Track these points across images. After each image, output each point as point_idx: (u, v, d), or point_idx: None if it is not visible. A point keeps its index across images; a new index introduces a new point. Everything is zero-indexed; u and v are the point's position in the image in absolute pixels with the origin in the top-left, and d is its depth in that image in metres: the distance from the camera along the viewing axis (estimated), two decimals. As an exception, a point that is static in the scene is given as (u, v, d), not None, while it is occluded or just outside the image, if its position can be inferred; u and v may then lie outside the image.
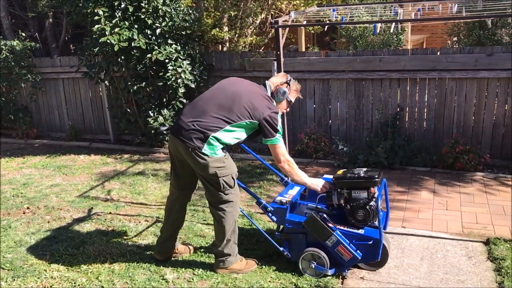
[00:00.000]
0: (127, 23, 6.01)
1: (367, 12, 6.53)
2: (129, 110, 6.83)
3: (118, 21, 5.95)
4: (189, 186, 3.50)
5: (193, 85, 6.45)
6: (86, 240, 4.07)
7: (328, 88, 6.23)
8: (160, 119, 6.36)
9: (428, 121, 5.82)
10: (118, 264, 3.61)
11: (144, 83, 6.45)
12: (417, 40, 11.15)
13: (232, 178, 3.24)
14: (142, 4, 6.01)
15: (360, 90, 6.05)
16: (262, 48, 7.51)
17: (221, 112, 3.14)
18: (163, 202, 4.74)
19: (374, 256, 3.22)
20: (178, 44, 6.37)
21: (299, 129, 6.44)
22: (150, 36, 6.12)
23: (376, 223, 3.22)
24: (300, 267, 3.34)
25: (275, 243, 3.44)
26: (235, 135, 3.21)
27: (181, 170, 3.37)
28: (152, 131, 6.49)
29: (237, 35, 7.01)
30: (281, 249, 3.42)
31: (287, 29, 5.26)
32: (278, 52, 4.53)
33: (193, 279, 3.37)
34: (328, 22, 5.33)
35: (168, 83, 6.23)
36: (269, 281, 3.30)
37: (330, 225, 3.21)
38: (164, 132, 6.41)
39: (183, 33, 6.51)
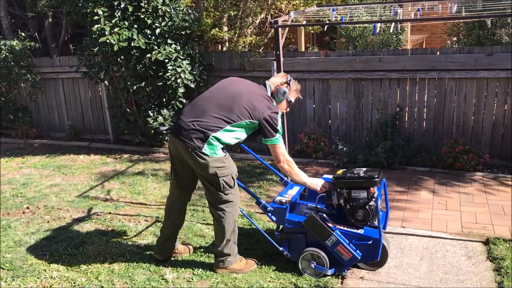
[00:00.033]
0: (126, 23, 6.00)
1: (367, 12, 6.53)
2: (128, 110, 6.83)
3: (118, 21, 5.95)
4: (189, 186, 3.50)
5: (192, 85, 6.45)
6: (86, 240, 4.07)
7: (327, 88, 6.23)
8: (160, 119, 6.36)
9: (427, 121, 5.82)
10: (117, 264, 3.61)
11: (143, 83, 6.45)
12: (417, 40, 11.16)
13: (232, 178, 3.24)
14: (141, 4, 6.01)
15: (359, 90, 6.05)
16: (262, 48, 7.51)
17: (221, 112, 3.14)
18: (163, 202, 4.74)
19: (373, 256, 3.22)
20: (177, 44, 6.37)
21: (299, 129, 6.45)
22: (149, 36, 6.12)
23: (376, 223, 3.22)
24: (300, 267, 3.34)
25: (274, 243, 3.44)
26: (235, 135, 3.21)
27: (181, 170, 3.37)
28: (152, 131, 6.49)
29: (236, 35, 7.01)
30: (281, 249, 3.42)
31: (287, 29, 5.27)
32: (278, 52, 4.53)
33: (192, 279, 3.37)
34: (327, 22, 5.34)
35: (168, 83, 6.23)
36: (269, 281, 3.30)
37: (330, 225, 3.22)
38: (164, 132, 6.41)
39: (183, 33, 6.51)
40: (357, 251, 3.21)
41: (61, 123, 8.26)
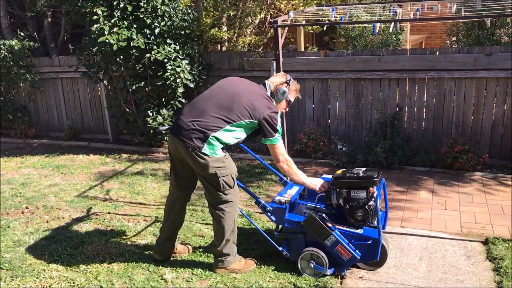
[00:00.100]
0: (126, 23, 6.00)
1: (366, 12, 6.54)
2: (128, 110, 6.82)
3: (117, 21, 5.95)
4: (189, 186, 3.50)
5: (192, 85, 6.44)
6: (85, 240, 4.06)
7: (327, 88, 6.23)
8: (159, 119, 6.36)
9: (427, 121, 5.82)
10: (117, 264, 3.61)
11: (143, 82, 6.44)
12: (416, 40, 11.16)
13: (232, 178, 3.24)
14: (141, 3, 6.01)
15: (359, 90, 6.05)
16: (261, 47, 7.51)
17: (221, 111, 3.14)
18: (162, 202, 4.74)
19: (373, 255, 3.22)
20: (177, 43, 6.37)
21: (298, 129, 6.44)
22: (149, 36, 6.12)
23: (375, 222, 3.21)
24: (299, 266, 3.34)
25: (274, 242, 3.44)
26: (235, 134, 3.21)
27: (181, 170, 3.37)
28: (151, 131, 6.49)
29: (236, 34, 7.01)
30: (280, 248, 3.42)
31: (286, 28, 5.27)
32: (277, 52, 4.53)
33: (192, 279, 3.37)
34: (327, 21, 5.34)
35: (167, 82, 6.22)
36: (268, 281, 3.30)
37: (329, 224, 3.21)
38: (164, 132, 6.41)
39: (182, 32, 6.50)
40: (357, 251, 3.21)
41: (60, 123, 8.26)
